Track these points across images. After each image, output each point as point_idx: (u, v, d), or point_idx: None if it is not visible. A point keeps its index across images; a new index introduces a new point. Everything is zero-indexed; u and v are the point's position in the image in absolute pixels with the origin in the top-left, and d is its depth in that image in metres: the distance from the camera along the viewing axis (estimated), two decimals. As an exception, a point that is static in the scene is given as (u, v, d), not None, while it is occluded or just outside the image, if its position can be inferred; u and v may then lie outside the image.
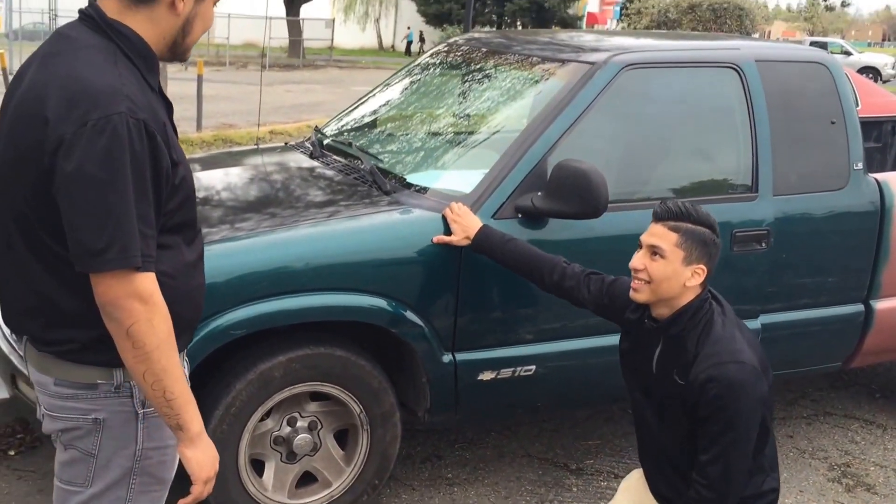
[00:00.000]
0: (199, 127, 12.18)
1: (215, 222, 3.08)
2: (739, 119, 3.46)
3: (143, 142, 1.65)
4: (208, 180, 3.67)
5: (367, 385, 3.02)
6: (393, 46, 47.61)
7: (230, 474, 2.90)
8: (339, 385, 3.00)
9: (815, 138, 3.59)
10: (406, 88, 4.29)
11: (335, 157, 3.72)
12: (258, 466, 3.06)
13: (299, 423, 3.05)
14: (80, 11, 1.80)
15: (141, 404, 1.83)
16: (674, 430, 2.54)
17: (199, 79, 12.75)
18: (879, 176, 3.75)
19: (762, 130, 3.45)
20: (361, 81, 21.56)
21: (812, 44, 30.39)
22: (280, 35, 33.74)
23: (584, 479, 3.69)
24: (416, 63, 4.37)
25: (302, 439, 3.05)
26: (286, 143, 4.39)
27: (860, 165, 3.63)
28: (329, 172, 3.59)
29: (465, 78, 3.96)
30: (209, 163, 4.18)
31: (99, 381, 1.80)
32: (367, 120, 4.20)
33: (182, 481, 1.93)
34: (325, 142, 3.96)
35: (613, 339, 2.85)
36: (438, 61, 4.21)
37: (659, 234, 2.46)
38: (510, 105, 3.60)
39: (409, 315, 2.96)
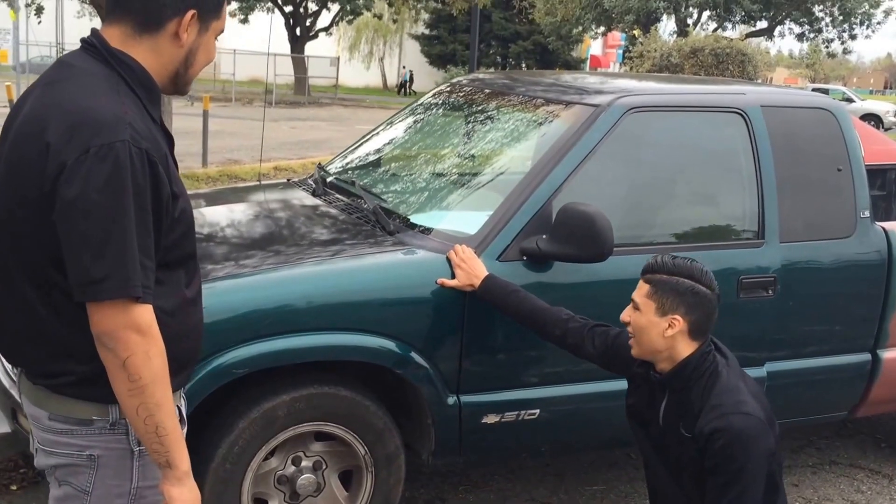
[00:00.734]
0: (204, 162, 12.23)
1: (218, 259, 3.08)
2: (745, 165, 3.47)
3: (145, 171, 1.64)
4: (211, 216, 3.68)
5: (371, 426, 3.00)
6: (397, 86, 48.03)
7: (232, 513, 2.86)
8: (343, 425, 2.97)
9: (822, 185, 3.60)
10: (409, 128, 4.31)
11: (338, 195, 3.73)
12: (261, 506, 3.03)
13: (303, 463, 3.02)
14: (83, 40, 1.80)
15: (136, 442, 1.80)
16: (684, 483, 2.52)
17: (205, 114, 12.83)
18: (887, 225, 3.74)
19: (768, 177, 3.45)
20: (366, 120, 21.71)
21: (814, 90, 30.55)
22: (286, 72, 34.07)
23: (588, 525, 3.66)
24: (420, 102, 4.39)
25: (306, 479, 3.02)
26: (288, 180, 4.41)
27: (867, 213, 3.63)
28: (332, 211, 3.60)
29: (469, 118, 3.98)
30: (212, 198, 4.19)
31: (94, 418, 1.77)
32: (370, 159, 4.22)
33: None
34: (328, 180, 3.97)
35: (617, 385, 2.85)
36: (441, 101, 4.24)
37: (637, 288, 2.53)
38: (514, 146, 3.61)
39: (414, 356, 2.94)
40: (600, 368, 2.88)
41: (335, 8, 34.77)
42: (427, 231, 3.19)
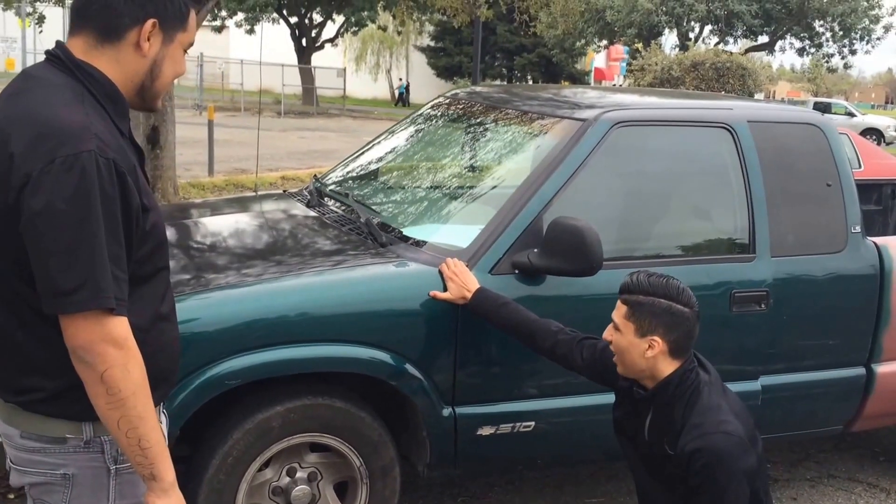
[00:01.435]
0: (210, 171, 12.30)
1: (212, 270, 3.11)
2: (734, 179, 3.48)
3: (113, 181, 1.61)
4: (205, 227, 3.71)
5: (366, 437, 3.01)
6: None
7: (226, 525, 2.88)
8: (338, 436, 2.99)
9: (811, 200, 3.61)
10: (405, 140, 4.33)
11: (332, 207, 3.76)
12: (255, 517, 3.04)
13: (299, 474, 3.03)
14: (47, 52, 1.77)
15: (113, 460, 1.76)
16: (671, 498, 2.54)
17: (210, 124, 12.92)
18: (879, 240, 3.75)
19: (757, 191, 3.46)
20: (374, 132, 21.65)
21: (816, 104, 30.86)
22: (293, 82, 34.21)
23: (585, 537, 3.67)
24: (419, 113, 4.42)
25: (301, 490, 3.02)
26: (285, 191, 4.44)
27: (858, 229, 3.64)
28: (325, 222, 3.62)
29: (464, 131, 4.02)
30: (206, 209, 4.22)
31: (67, 436, 1.72)
32: (365, 170, 4.24)
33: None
34: (323, 191, 4.00)
35: (612, 397, 2.86)
36: (440, 113, 4.27)
37: (616, 307, 2.54)
38: (507, 160, 3.64)
39: (409, 368, 2.96)
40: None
41: (340, 19, 34.93)
42: (419, 244, 3.22)
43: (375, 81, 48.17)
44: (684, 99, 4.29)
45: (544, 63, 41.79)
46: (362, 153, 4.43)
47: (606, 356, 2.72)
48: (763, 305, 3.44)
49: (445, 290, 2.97)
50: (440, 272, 3.01)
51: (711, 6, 31.98)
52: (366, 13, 33.10)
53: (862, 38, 34.09)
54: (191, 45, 1.85)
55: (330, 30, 36.31)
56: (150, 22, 1.73)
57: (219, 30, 33.56)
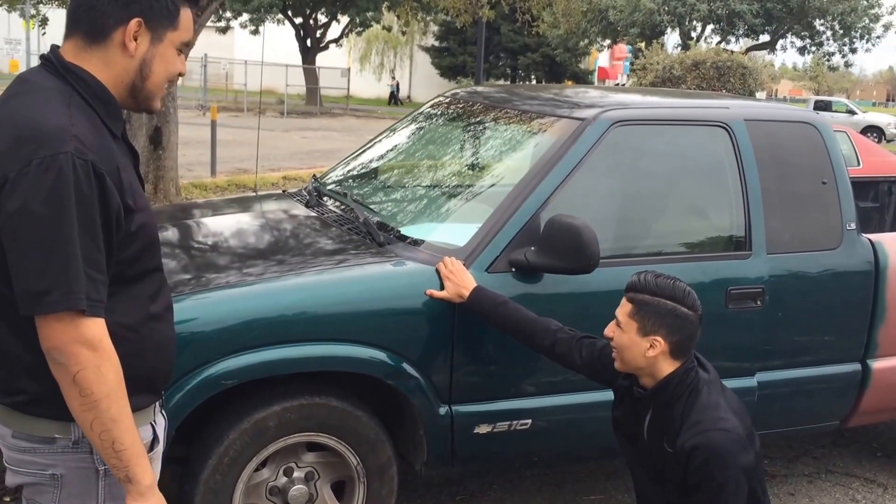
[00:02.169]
0: (213, 172, 12.34)
1: (210, 269, 3.12)
2: (730, 177, 3.50)
3: (90, 183, 1.61)
4: (203, 227, 3.72)
5: (363, 437, 3.02)
6: (409, 97, 48.16)
7: (223, 525, 2.88)
8: (335, 436, 2.99)
9: (807, 198, 3.62)
10: (404, 139, 4.35)
11: (331, 206, 3.77)
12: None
13: (296, 474, 3.04)
14: (41, 56, 1.79)
15: (101, 461, 1.75)
16: (669, 496, 2.55)
17: (213, 124, 12.96)
18: (874, 237, 3.76)
19: (753, 189, 3.48)
20: (376, 131, 21.71)
21: (816, 102, 30.95)
22: (297, 83, 34.26)
23: (583, 535, 3.68)
24: (420, 112, 4.42)
25: (298, 490, 3.03)
26: (284, 191, 4.45)
27: (853, 226, 3.65)
28: (323, 222, 3.63)
29: (463, 131, 4.03)
30: (205, 209, 4.23)
31: (56, 436, 1.73)
32: (364, 170, 4.26)
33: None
34: (322, 191, 4.01)
35: (610, 395, 2.87)
36: (439, 113, 4.28)
37: (621, 305, 2.56)
38: (505, 159, 3.65)
39: (405, 367, 2.97)
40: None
41: (345, 20, 34.97)
42: (417, 243, 3.23)
43: (379, 81, 48.17)
44: (682, 98, 4.30)
45: (548, 63, 41.78)
46: (361, 153, 4.44)
47: (605, 355, 2.73)
48: (759, 302, 3.45)
49: (443, 288, 2.98)
50: (437, 271, 3.02)
51: (713, 5, 32.04)
52: (370, 13, 33.14)
53: (862, 37, 34.25)
54: (186, 44, 1.84)
55: (334, 30, 36.35)
56: (134, 21, 1.74)
57: (223, 31, 33.60)
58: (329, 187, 4.07)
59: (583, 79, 41.68)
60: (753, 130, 3.54)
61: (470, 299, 2.94)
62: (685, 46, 31.16)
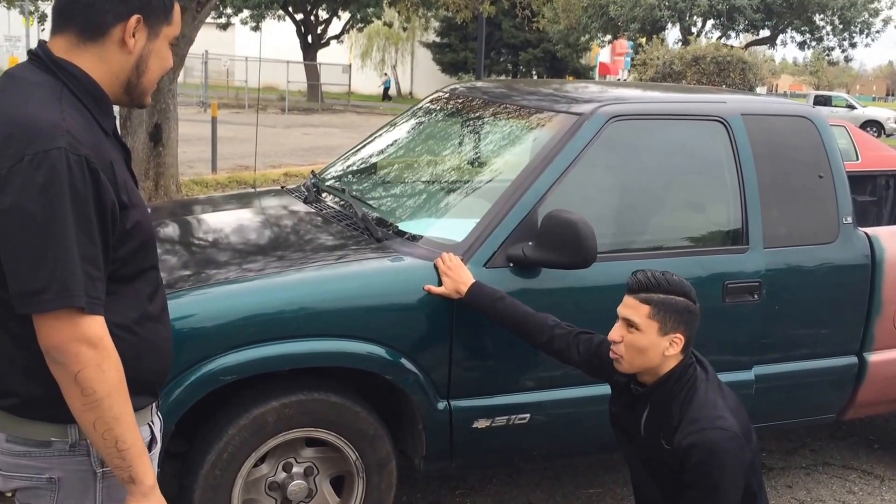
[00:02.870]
0: (213, 168, 12.35)
1: (207, 266, 3.13)
2: (727, 171, 3.51)
3: (84, 178, 1.58)
4: (201, 223, 3.71)
5: (362, 432, 3.03)
6: (411, 93, 48.11)
7: (222, 520, 2.90)
8: (334, 431, 3.00)
9: (804, 192, 3.63)
10: (403, 135, 4.35)
11: (329, 202, 3.78)
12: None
13: (294, 469, 3.04)
14: (29, 52, 1.75)
15: (99, 463, 1.73)
16: (666, 491, 2.57)
17: (214, 121, 12.96)
18: (870, 230, 3.78)
19: (750, 183, 3.49)
20: (377, 127, 21.79)
21: (817, 97, 30.95)
22: (298, 79, 34.25)
23: (582, 528, 3.69)
24: (419, 107, 4.43)
25: (297, 485, 3.03)
26: (282, 187, 4.46)
27: (849, 220, 3.66)
28: (322, 218, 3.64)
29: (462, 126, 4.03)
30: (203, 205, 4.23)
31: (52, 439, 1.70)
32: (362, 166, 4.26)
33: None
34: (320, 187, 4.02)
35: (607, 388, 2.89)
36: (438, 108, 4.28)
37: (632, 307, 2.53)
38: (503, 154, 3.66)
39: (404, 362, 2.98)
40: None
41: (346, 16, 34.95)
42: (415, 238, 3.23)
43: (381, 78, 48.14)
44: (679, 93, 4.31)
45: (549, 58, 41.74)
46: (359, 148, 4.45)
47: (602, 351, 2.74)
48: (756, 296, 3.46)
49: (441, 284, 2.99)
50: (435, 267, 3.03)
51: (713, 1, 32.02)
52: (371, 9, 33.09)
53: (861, 32, 34.35)
54: (176, 38, 1.83)
55: (335, 26, 36.31)
56: (134, 18, 1.71)
57: (224, 27, 33.57)
58: (327, 183, 4.07)
59: (584, 74, 41.63)
60: (750, 125, 3.55)
61: (468, 295, 2.95)
62: (685, 42, 31.16)
